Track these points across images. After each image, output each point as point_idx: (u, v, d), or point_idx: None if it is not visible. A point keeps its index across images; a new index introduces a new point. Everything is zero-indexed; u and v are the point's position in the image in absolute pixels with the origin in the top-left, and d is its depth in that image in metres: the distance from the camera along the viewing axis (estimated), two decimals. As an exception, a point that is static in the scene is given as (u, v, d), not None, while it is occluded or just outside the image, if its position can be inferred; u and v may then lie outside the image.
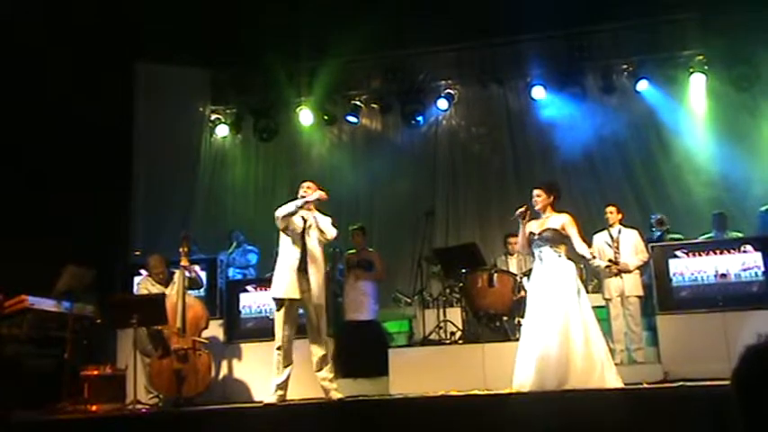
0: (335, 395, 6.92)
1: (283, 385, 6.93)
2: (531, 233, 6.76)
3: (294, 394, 7.33)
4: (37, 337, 8.12)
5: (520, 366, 6.45)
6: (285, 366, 6.95)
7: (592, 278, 9.36)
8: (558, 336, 6.29)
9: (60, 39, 9.70)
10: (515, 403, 6.00)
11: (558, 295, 6.45)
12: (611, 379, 6.30)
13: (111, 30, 9.89)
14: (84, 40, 9.77)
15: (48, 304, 8.19)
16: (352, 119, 12.21)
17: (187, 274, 8.02)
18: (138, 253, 10.12)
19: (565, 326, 6.33)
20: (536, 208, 6.84)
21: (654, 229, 9.04)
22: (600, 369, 6.28)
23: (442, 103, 11.90)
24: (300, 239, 7.07)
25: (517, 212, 6.85)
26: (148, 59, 11.24)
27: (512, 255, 9.71)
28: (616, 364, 8.09)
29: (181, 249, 8.03)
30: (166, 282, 8.29)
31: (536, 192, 6.84)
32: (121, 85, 10.88)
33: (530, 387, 6.25)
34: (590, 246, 8.30)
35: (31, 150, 9.90)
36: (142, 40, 10.48)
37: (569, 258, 6.73)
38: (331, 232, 7.17)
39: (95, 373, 7.72)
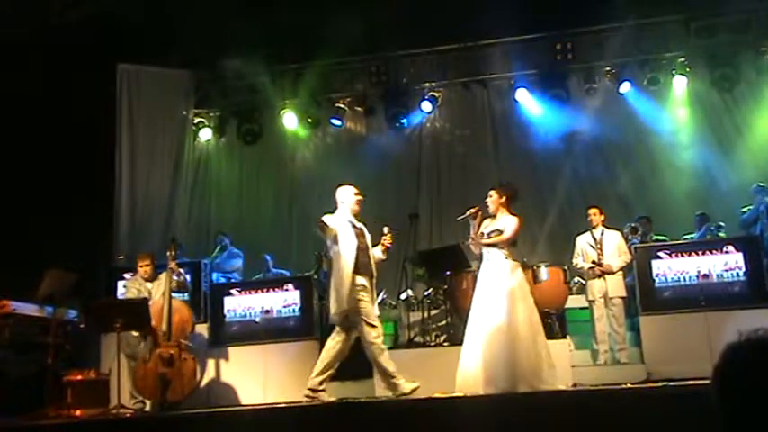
0: None
1: None
2: (480, 233, 6.81)
3: (280, 397, 7.31)
4: (19, 343, 8.06)
5: (464, 368, 6.51)
6: None
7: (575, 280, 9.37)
8: (504, 335, 6.34)
9: (43, 38, 9.65)
10: (500, 405, 6.00)
11: (503, 295, 6.51)
12: (555, 380, 6.40)
13: (94, 31, 9.83)
14: (67, 40, 9.71)
15: (30, 309, 8.14)
16: (336, 122, 12.19)
17: (175, 276, 7.98)
18: (121, 257, 10.06)
19: (511, 325, 6.38)
20: (489, 209, 6.89)
21: (630, 238, 9.07)
22: (546, 369, 6.37)
23: (426, 106, 11.87)
24: None
25: (468, 213, 6.89)
26: (132, 61, 11.19)
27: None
28: (600, 365, 8.21)
29: (168, 253, 8.00)
30: (152, 278, 8.24)
31: (490, 192, 6.92)
32: (104, 87, 10.82)
33: (481, 389, 6.27)
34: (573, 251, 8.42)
35: (13, 153, 9.82)
36: (125, 42, 10.43)
37: (515, 260, 6.80)
38: None
39: (79, 377, 7.67)
